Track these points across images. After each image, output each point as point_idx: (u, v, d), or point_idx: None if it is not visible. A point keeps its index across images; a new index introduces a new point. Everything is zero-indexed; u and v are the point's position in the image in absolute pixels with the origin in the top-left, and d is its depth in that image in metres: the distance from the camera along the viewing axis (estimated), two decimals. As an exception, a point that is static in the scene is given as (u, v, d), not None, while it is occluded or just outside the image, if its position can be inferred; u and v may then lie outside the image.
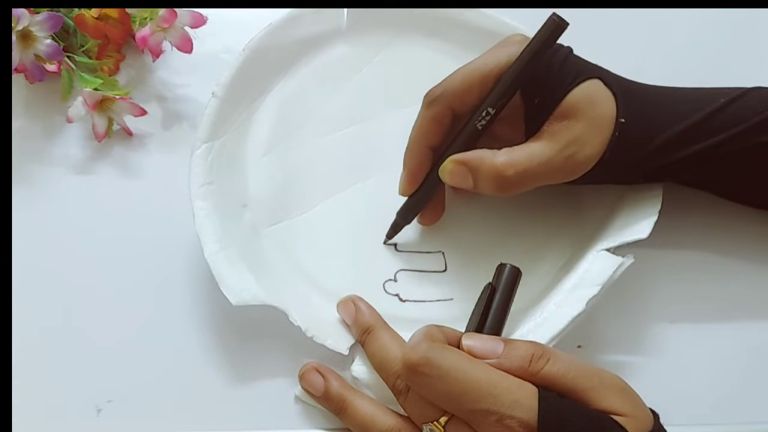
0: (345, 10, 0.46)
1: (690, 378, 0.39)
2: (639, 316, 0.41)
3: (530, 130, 0.38)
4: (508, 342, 0.32)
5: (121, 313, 0.39)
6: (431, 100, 0.39)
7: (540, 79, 0.37)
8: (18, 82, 0.45)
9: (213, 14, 0.45)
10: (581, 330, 0.39)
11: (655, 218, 0.39)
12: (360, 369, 0.36)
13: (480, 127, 0.38)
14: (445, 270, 0.41)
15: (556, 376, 0.31)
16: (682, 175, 0.39)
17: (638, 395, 0.31)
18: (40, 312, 0.39)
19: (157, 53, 0.45)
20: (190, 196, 0.38)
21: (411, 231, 0.42)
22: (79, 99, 0.43)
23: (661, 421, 0.32)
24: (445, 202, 0.42)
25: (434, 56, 0.46)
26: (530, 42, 0.37)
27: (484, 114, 0.37)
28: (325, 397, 0.36)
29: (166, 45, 0.45)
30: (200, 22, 0.44)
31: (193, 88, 0.47)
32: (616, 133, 0.36)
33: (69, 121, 0.43)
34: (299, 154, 0.43)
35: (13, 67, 0.43)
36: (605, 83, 0.37)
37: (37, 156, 0.44)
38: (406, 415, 0.34)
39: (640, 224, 0.39)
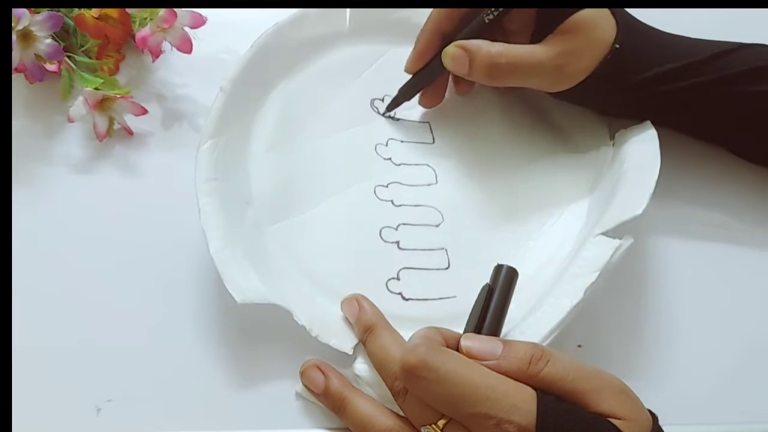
0: (347, 10, 0.47)
1: (691, 376, 0.39)
2: (640, 315, 0.41)
3: (534, 40, 0.41)
4: (507, 343, 0.32)
5: (121, 312, 0.39)
6: None
7: None
8: (18, 82, 0.45)
9: (213, 15, 0.45)
10: (582, 329, 0.39)
11: (649, 193, 0.38)
12: (362, 367, 0.36)
13: (487, 21, 0.41)
14: (448, 267, 0.41)
15: (555, 378, 0.31)
16: (664, 111, 0.42)
17: (638, 397, 0.31)
18: (41, 311, 0.39)
19: (156, 53, 0.45)
20: (196, 191, 0.38)
21: (413, 229, 0.42)
22: (80, 98, 0.43)
23: (663, 419, 0.32)
24: (446, 89, 0.45)
25: None
26: None
27: (492, 9, 0.40)
28: (325, 394, 0.36)
29: (166, 45, 0.45)
30: (200, 22, 0.44)
31: (193, 88, 0.47)
32: (609, 57, 0.39)
33: (70, 120, 0.43)
34: (302, 152, 0.43)
35: (14, 67, 0.43)
36: (612, 12, 0.40)
37: (37, 156, 0.44)
38: (405, 416, 0.34)
39: (634, 201, 0.38)
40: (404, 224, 0.42)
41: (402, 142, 0.45)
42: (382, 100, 0.46)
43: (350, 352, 0.37)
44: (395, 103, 0.45)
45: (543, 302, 0.37)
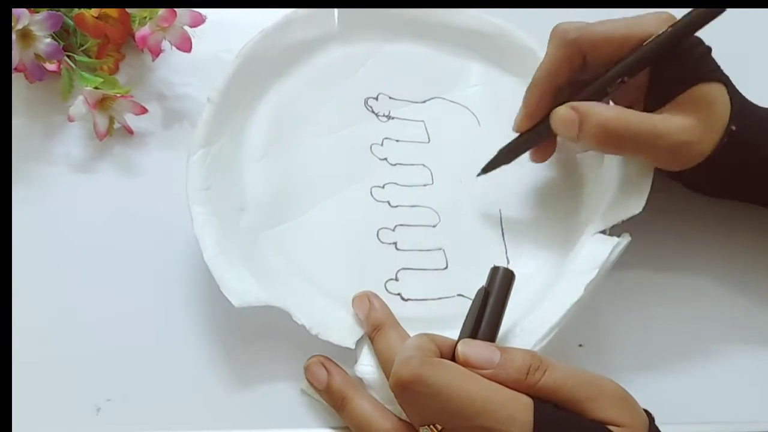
0: (335, 10, 0.46)
1: (692, 375, 0.39)
2: (640, 314, 0.41)
3: (649, 106, 0.38)
4: (504, 351, 0.31)
5: (122, 311, 0.39)
6: (568, 41, 0.38)
7: (674, 63, 0.37)
8: (18, 82, 0.45)
9: (212, 14, 0.45)
10: (582, 328, 0.39)
11: (647, 191, 0.38)
12: (363, 369, 0.36)
13: (609, 91, 0.38)
14: (446, 267, 0.41)
15: (553, 388, 0.30)
16: None
17: (636, 401, 0.31)
18: (40, 311, 0.39)
19: (156, 52, 0.45)
20: (188, 201, 0.38)
21: (411, 229, 0.42)
22: (80, 98, 0.43)
23: (662, 418, 0.32)
24: (555, 146, 0.41)
25: (426, 56, 0.47)
26: (681, 19, 0.37)
27: (618, 81, 0.37)
28: (327, 391, 0.36)
29: (166, 44, 0.45)
30: (199, 21, 0.44)
31: (193, 87, 0.47)
32: (725, 140, 0.36)
33: (70, 119, 0.43)
34: (295, 156, 0.43)
35: (13, 67, 0.43)
36: (729, 91, 0.37)
37: (37, 155, 0.44)
38: (404, 419, 0.34)
39: (632, 199, 0.38)
40: (401, 225, 0.42)
41: (398, 141, 0.45)
42: (377, 98, 0.46)
43: (353, 347, 0.37)
44: (493, 165, 0.42)
45: (543, 300, 0.37)
